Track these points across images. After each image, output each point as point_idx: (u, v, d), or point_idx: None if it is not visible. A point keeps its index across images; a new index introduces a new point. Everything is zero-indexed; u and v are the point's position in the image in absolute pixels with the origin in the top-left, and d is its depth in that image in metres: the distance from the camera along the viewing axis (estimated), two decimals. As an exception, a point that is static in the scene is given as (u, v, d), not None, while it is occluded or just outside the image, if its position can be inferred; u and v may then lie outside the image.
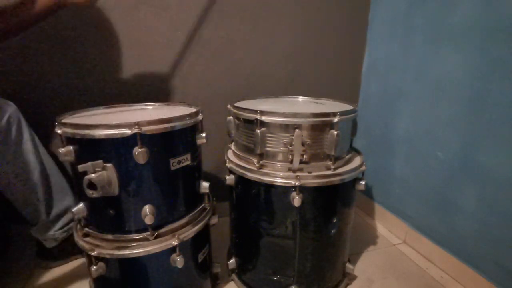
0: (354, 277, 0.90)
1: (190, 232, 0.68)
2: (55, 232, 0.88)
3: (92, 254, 0.61)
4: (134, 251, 0.61)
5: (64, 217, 0.89)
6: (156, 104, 0.86)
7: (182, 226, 0.68)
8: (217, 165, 1.15)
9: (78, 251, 0.92)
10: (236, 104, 0.79)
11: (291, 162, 0.69)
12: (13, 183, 0.77)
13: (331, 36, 1.19)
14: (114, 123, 0.56)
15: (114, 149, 0.58)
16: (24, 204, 0.81)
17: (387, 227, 1.19)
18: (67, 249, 0.91)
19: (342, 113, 0.69)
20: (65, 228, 0.90)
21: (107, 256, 0.62)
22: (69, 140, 0.59)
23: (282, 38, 1.13)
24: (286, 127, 0.68)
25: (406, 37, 1.03)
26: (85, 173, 0.56)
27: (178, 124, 0.63)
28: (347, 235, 0.82)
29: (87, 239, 0.65)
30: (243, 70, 1.12)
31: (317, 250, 0.76)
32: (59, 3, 0.69)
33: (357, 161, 0.80)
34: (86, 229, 0.65)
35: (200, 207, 0.75)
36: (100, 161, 0.57)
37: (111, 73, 1.00)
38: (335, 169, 0.72)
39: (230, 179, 0.77)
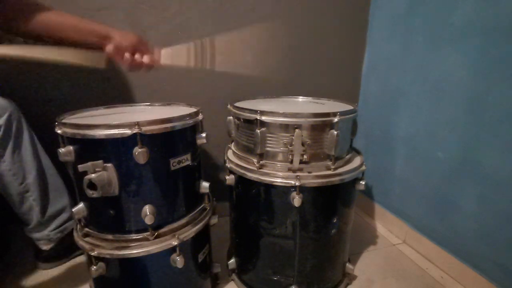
0: (354, 277, 0.90)
1: (190, 232, 0.68)
2: (50, 232, 0.88)
3: (92, 254, 0.61)
4: (134, 251, 0.62)
5: (59, 217, 0.89)
6: (156, 104, 0.86)
7: (182, 226, 0.68)
8: (217, 165, 1.15)
9: (76, 250, 0.92)
10: (236, 104, 0.79)
11: (291, 162, 0.69)
12: (9, 181, 0.77)
13: (331, 36, 1.19)
14: (114, 123, 0.56)
15: (114, 149, 0.58)
16: (20, 203, 0.81)
17: (387, 227, 1.19)
18: (63, 249, 0.91)
19: (342, 113, 0.69)
20: (60, 229, 0.89)
21: (107, 256, 0.62)
22: (69, 140, 0.59)
23: (282, 38, 1.13)
24: (286, 127, 0.68)
25: (406, 37, 1.03)
26: (85, 173, 0.56)
27: (178, 124, 0.63)
28: (347, 235, 0.82)
29: (87, 239, 0.65)
30: (243, 70, 1.12)
31: (317, 250, 0.76)
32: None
33: (357, 161, 0.80)
34: (86, 229, 0.65)
35: (200, 207, 0.75)
36: (100, 161, 0.57)
37: (111, 73, 1.00)
38: (335, 169, 0.72)
39: (230, 179, 0.77)
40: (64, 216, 0.90)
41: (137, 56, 0.70)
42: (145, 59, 0.71)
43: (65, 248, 0.91)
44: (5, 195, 0.80)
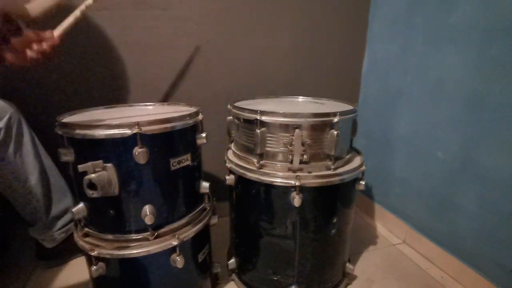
0: (354, 277, 0.90)
1: (190, 232, 0.68)
2: (54, 233, 0.88)
3: (92, 254, 0.61)
4: (134, 251, 0.62)
5: (63, 217, 0.89)
6: (156, 104, 0.86)
7: (182, 226, 0.68)
8: (217, 165, 1.15)
9: (78, 251, 0.92)
10: (236, 104, 0.79)
11: (291, 162, 0.69)
12: (12, 184, 0.77)
13: (331, 36, 1.19)
14: (114, 123, 0.56)
15: (114, 149, 0.58)
16: (23, 204, 0.81)
17: (387, 227, 1.19)
18: (66, 249, 0.91)
19: (342, 113, 0.69)
20: (64, 229, 0.90)
21: (107, 256, 0.62)
22: (69, 140, 0.59)
23: (282, 38, 1.13)
24: (286, 127, 0.68)
25: (406, 37, 1.03)
26: (85, 173, 0.56)
27: (178, 124, 0.63)
28: (347, 235, 0.82)
29: (87, 239, 0.65)
30: (243, 70, 1.12)
31: (317, 250, 0.76)
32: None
33: (357, 161, 0.80)
34: (86, 229, 0.65)
35: (200, 207, 0.75)
36: (100, 161, 0.57)
37: (112, 73, 1.00)
38: (335, 169, 0.72)
39: (230, 179, 0.77)
40: (68, 216, 0.90)
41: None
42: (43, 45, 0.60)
43: (67, 248, 0.91)
44: (9, 197, 0.80)
